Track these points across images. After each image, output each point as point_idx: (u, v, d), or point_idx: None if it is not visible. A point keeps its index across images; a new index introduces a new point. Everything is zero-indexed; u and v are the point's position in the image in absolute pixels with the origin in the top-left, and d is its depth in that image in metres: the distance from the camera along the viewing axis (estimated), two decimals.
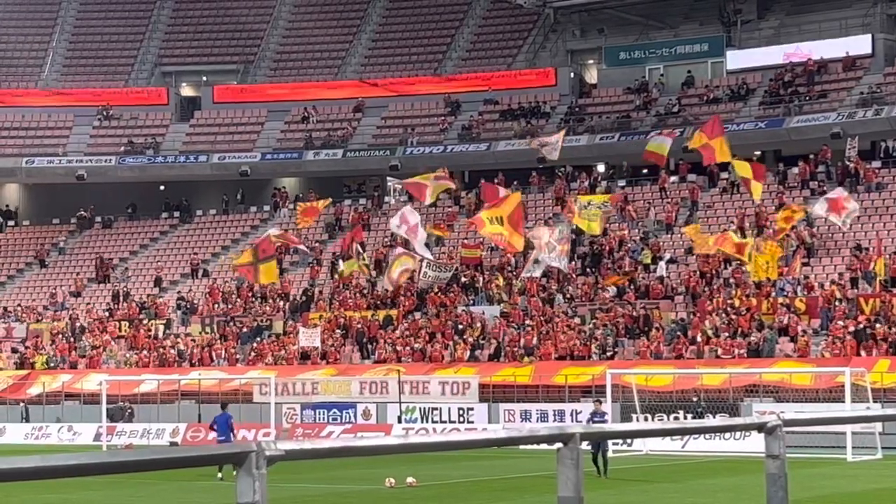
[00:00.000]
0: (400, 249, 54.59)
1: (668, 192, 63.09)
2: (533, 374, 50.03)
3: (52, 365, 60.37)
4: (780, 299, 50.52)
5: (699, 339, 49.27)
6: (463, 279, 58.29)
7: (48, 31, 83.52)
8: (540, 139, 55.84)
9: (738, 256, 49.62)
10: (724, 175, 60.83)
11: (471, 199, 65.57)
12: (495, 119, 72.28)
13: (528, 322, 53.33)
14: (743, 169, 48.32)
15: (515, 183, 67.17)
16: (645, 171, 65.58)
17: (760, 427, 7.67)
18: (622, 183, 65.16)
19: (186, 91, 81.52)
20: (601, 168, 68.06)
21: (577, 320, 53.03)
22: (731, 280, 52.94)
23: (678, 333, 50.16)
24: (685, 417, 44.00)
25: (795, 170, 61.26)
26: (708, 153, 47.71)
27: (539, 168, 66.55)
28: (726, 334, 48.97)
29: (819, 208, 50.90)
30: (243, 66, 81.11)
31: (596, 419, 33.25)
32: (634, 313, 52.30)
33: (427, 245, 55.93)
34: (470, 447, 6.47)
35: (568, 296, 55.54)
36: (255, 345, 57.71)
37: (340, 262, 60.35)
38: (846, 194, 51.43)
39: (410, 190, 55.70)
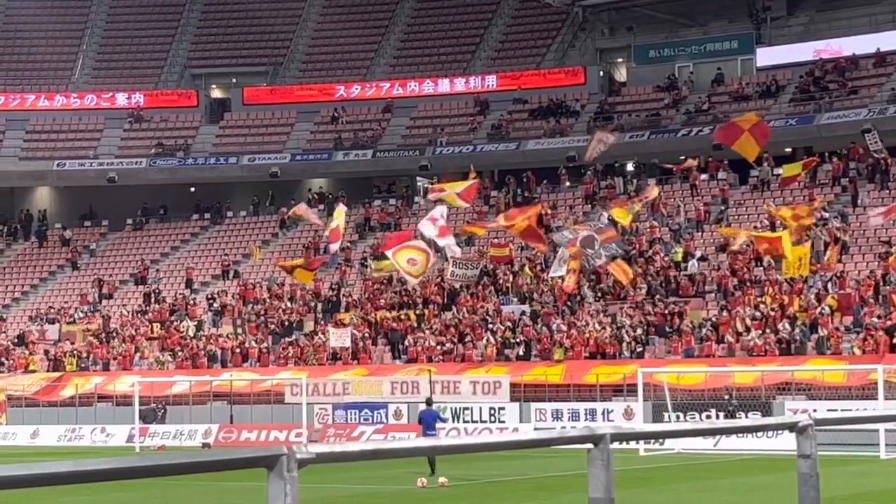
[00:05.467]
0: (399, 245, 53.78)
1: (698, 190, 62.97)
2: (564, 373, 49.99)
3: (84, 367, 60.65)
4: (812, 297, 50.32)
5: (730, 337, 49.14)
6: (493, 276, 58.27)
7: (78, 35, 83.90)
8: (599, 135, 55.22)
9: (776, 252, 48.67)
10: (755, 173, 60.72)
11: (500, 198, 65.62)
12: (524, 118, 72.23)
13: (558, 321, 53.27)
14: (791, 170, 48.35)
15: (545, 182, 67.28)
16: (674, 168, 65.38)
17: (792, 427, 7.65)
18: (652, 181, 65.01)
19: (216, 93, 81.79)
20: (630, 167, 67.93)
21: (607, 318, 52.96)
22: (763, 277, 52.77)
23: (709, 331, 50.05)
24: (717, 416, 43.89)
25: (826, 167, 61.04)
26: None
27: (568, 167, 66.54)
28: (758, 332, 48.80)
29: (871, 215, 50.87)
30: (272, 68, 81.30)
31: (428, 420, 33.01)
32: (666, 311, 52.20)
33: (457, 244, 55.78)
34: (500, 449, 6.47)
35: (598, 294, 55.48)
36: (285, 345, 57.81)
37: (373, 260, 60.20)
38: None
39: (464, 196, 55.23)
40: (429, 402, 35.15)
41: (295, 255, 67.40)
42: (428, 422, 32.78)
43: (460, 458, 33.11)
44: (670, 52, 72.37)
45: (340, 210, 55.73)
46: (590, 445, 6.46)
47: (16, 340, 65.57)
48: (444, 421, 34.73)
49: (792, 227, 46.63)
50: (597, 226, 50.06)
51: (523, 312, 55.09)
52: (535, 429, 46.39)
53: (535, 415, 48.69)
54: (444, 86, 76.00)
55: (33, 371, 61.54)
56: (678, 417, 43.76)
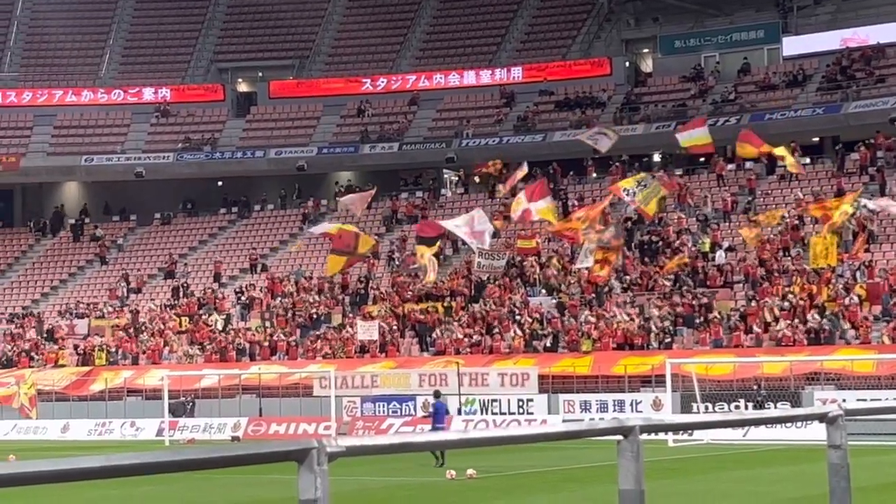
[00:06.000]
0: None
1: (725, 180, 62.80)
2: (592, 364, 49.96)
3: (113, 361, 60.88)
4: (841, 286, 50.13)
5: (758, 327, 49.00)
6: (519, 268, 58.18)
7: (105, 30, 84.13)
8: (591, 132, 55.05)
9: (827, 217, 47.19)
10: (782, 163, 60.44)
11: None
12: (550, 110, 72.15)
13: (586, 313, 53.19)
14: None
15: (571, 174, 67.18)
16: (702, 159, 65.26)
17: (822, 417, 7.63)
18: (679, 171, 64.87)
19: (242, 87, 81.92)
20: (657, 158, 67.79)
21: (635, 309, 52.87)
22: (791, 267, 52.61)
23: (737, 322, 49.92)
24: (746, 406, 43.78)
25: (854, 156, 60.82)
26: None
27: (594, 158, 66.37)
28: (786, 322, 48.65)
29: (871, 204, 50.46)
30: (298, 61, 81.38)
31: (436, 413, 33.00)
32: (694, 302, 52.09)
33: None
34: (528, 441, 6.48)
35: (625, 285, 55.39)
36: (314, 338, 57.90)
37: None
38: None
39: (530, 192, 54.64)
40: (437, 394, 35.38)
41: (323, 248, 67.52)
42: (439, 414, 33.04)
43: (489, 450, 33.11)
44: (696, 43, 72.16)
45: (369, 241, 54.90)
46: (619, 437, 6.45)
47: (45, 335, 65.89)
48: (448, 413, 34.86)
49: (836, 222, 45.72)
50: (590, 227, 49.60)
51: (554, 301, 54.95)
52: (564, 420, 46.35)
53: (564, 406, 48.66)
54: (469, 78, 75.97)
55: (63, 366, 61.81)
56: (707, 408, 43.67)
